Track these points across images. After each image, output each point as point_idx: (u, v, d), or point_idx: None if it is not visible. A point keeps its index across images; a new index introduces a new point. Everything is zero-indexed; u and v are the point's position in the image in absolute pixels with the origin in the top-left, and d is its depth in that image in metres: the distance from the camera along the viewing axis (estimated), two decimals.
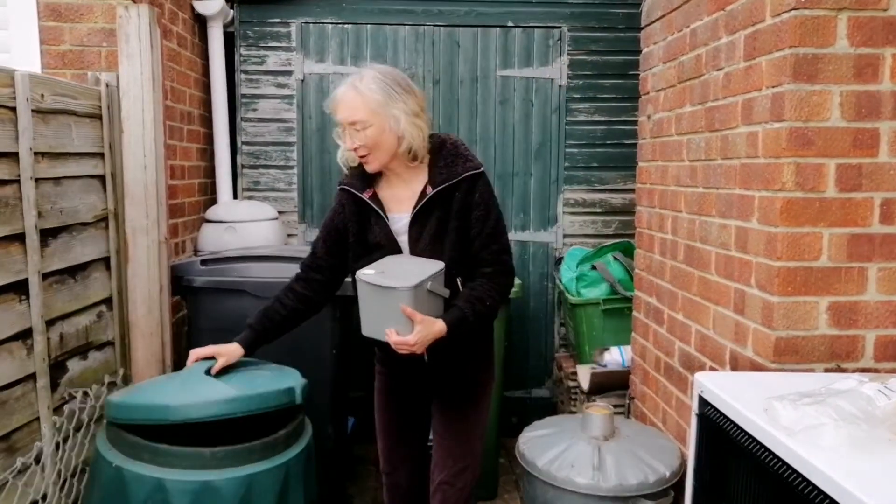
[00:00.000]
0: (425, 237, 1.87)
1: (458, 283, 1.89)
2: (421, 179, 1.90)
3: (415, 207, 1.87)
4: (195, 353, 2.02)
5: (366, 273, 1.79)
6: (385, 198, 1.94)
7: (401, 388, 2.09)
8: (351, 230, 1.96)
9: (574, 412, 3.12)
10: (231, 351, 2.01)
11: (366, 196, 1.92)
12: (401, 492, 2.15)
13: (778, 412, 1.28)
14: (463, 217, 1.86)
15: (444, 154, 1.89)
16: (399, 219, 1.92)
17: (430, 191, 1.86)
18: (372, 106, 1.81)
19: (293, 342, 2.59)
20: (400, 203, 1.92)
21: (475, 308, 1.83)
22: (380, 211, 1.91)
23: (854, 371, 1.78)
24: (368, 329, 1.85)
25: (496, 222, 1.90)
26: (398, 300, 1.73)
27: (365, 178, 1.95)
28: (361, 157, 1.87)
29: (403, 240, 1.92)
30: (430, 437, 2.12)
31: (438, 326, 1.79)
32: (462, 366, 1.98)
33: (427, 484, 2.11)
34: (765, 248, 1.86)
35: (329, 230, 2.01)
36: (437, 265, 1.83)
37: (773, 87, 1.80)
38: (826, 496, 1.10)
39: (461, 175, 1.85)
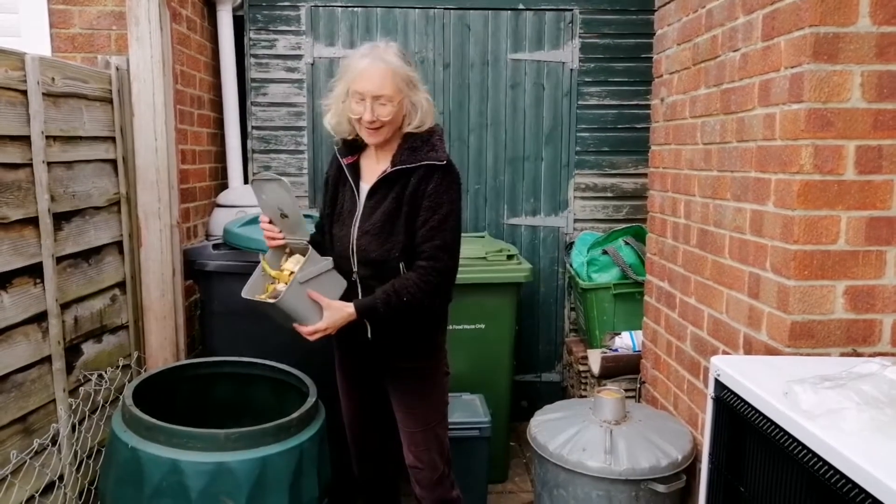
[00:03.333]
0: (378, 214, 1.91)
1: (402, 269, 1.90)
2: (390, 158, 1.94)
3: (374, 183, 1.92)
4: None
5: (248, 295, 1.94)
6: (364, 168, 2.01)
7: (353, 365, 2.14)
8: (327, 192, 2.06)
9: (585, 396, 3.12)
10: None
11: (345, 162, 1.99)
12: (370, 461, 2.20)
13: (798, 396, 1.27)
14: (413, 204, 1.88)
15: (415, 139, 1.92)
16: (364, 189, 1.96)
17: (389, 169, 1.90)
18: (399, 84, 1.85)
19: None
20: (372, 176, 1.96)
21: (390, 301, 1.85)
22: (351, 179, 1.97)
23: (870, 355, 1.76)
24: (279, 326, 1.95)
25: (445, 218, 1.88)
26: (284, 306, 1.84)
27: (350, 147, 2.01)
28: (374, 128, 1.87)
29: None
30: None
31: (347, 311, 1.87)
32: (404, 350, 1.99)
33: (393, 449, 2.16)
34: (781, 231, 1.84)
35: (324, 188, 2.11)
36: (325, 262, 1.92)
37: (792, 67, 1.77)
38: (849, 480, 1.10)
39: (420, 162, 1.88)
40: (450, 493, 2.12)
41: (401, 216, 1.89)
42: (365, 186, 1.97)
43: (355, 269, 1.94)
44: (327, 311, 1.87)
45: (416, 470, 2.08)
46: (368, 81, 1.84)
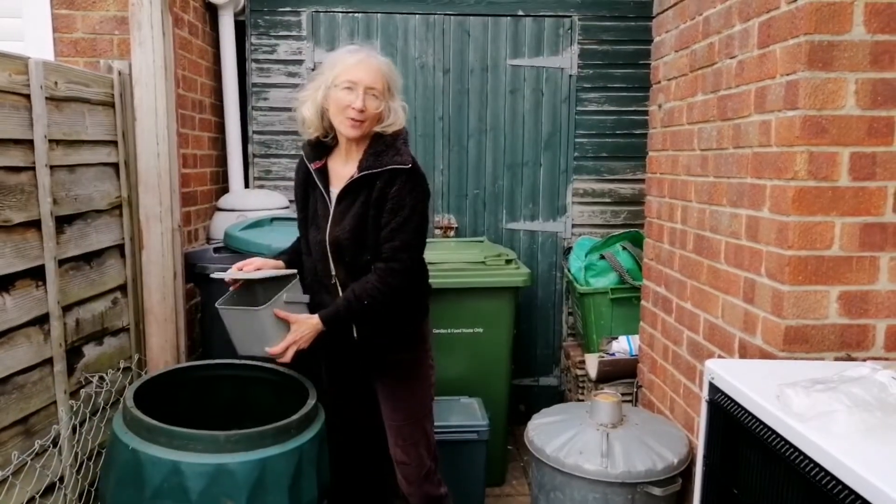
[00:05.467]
0: (348, 219, 1.93)
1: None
2: (357, 162, 1.97)
3: (342, 188, 1.95)
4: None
5: (220, 303, 1.93)
6: (332, 171, 2.03)
7: (337, 366, 2.17)
8: (298, 197, 2.09)
9: (582, 400, 3.13)
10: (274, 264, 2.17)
11: (313, 167, 2.01)
12: (351, 457, 2.23)
13: (790, 399, 1.28)
14: (379, 208, 1.91)
15: (380, 143, 1.95)
16: (334, 194, 1.99)
17: (356, 174, 1.93)
18: (388, 83, 1.93)
19: None
20: (340, 180, 1.99)
21: (350, 306, 1.91)
22: (320, 184, 2.00)
23: (864, 360, 1.78)
24: (245, 349, 1.96)
25: (407, 220, 1.91)
26: (261, 319, 1.86)
27: (317, 150, 2.03)
28: (358, 120, 1.90)
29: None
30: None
31: (313, 321, 1.91)
32: (389, 343, 2.03)
33: (377, 453, 2.20)
34: (776, 237, 1.86)
35: (295, 199, 2.14)
36: (286, 273, 1.96)
37: (788, 74, 1.80)
38: (839, 482, 1.11)
39: (385, 166, 1.91)
40: (437, 489, 2.14)
41: (369, 219, 1.92)
42: (334, 191, 1.99)
43: (333, 273, 1.98)
44: (294, 325, 1.91)
45: (402, 465, 2.10)
46: (363, 72, 1.89)
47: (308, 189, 2.06)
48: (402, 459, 2.10)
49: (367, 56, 1.93)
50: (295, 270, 2.01)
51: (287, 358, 1.91)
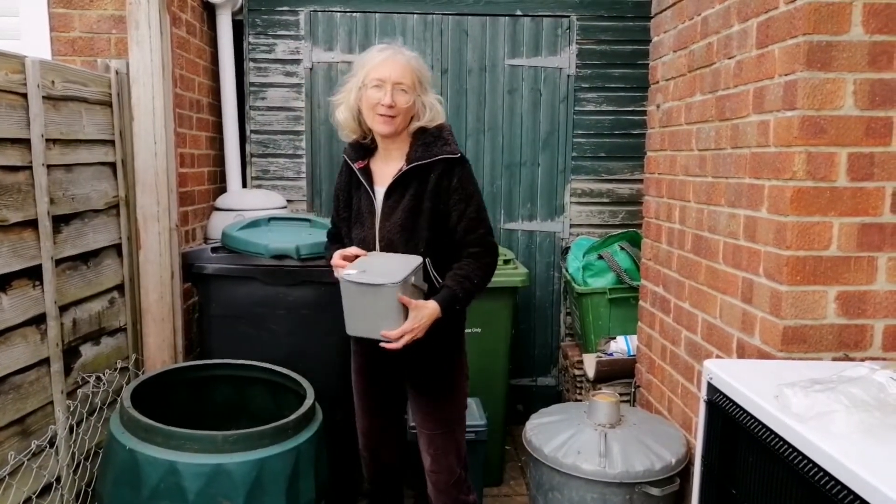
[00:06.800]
0: (399, 212, 1.91)
1: (428, 264, 1.91)
2: (403, 157, 1.96)
3: (391, 182, 1.94)
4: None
5: (349, 273, 1.80)
6: (375, 171, 2.01)
7: (374, 368, 2.11)
8: (342, 198, 2.07)
9: (580, 400, 3.13)
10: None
11: (357, 167, 2.00)
12: (380, 466, 2.19)
13: (789, 399, 1.28)
14: (436, 199, 1.91)
15: (426, 135, 1.95)
16: (380, 192, 1.98)
17: (404, 167, 1.92)
18: (415, 79, 1.92)
19: (302, 330, 2.61)
20: (384, 178, 1.98)
21: (463, 285, 1.89)
22: (364, 182, 1.98)
23: (862, 360, 1.78)
24: (357, 329, 1.86)
25: (479, 207, 1.95)
26: (386, 297, 1.75)
27: (360, 150, 2.03)
28: (389, 116, 1.90)
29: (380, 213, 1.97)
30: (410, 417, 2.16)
31: (431, 307, 1.84)
32: (430, 350, 1.97)
33: (405, 460, 2.17)
34: (774, 237, 1.86)
35: (335, 198, 2.12)
36: (416, 259, 1.86)
37: (786, 74, 1.80)
38: (838, 482, 1.11)
39: (436, 156, 1.91)
40: (466, 497, 2.11)
41: (422, 212, 1.90)
42: (380, 189, 1.97)
43: None
44: (413, 311, 1.80)
45: (432, 473, 2.07)
46: (390, 68, 1.89)
47: (352, 189, 2.04)
48: (433, 468, 2.06)
49: (395, 52, 1.93)
50: (420, 259, 1.87)
51: (399, 345, 1.80)
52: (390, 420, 2.17)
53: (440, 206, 1.91)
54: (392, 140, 1.96)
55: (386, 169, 1.99)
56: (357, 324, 1.85)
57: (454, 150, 1.93)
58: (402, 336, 1.79)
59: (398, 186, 1.93)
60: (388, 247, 1.93)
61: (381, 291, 1.75)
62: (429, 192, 1.90)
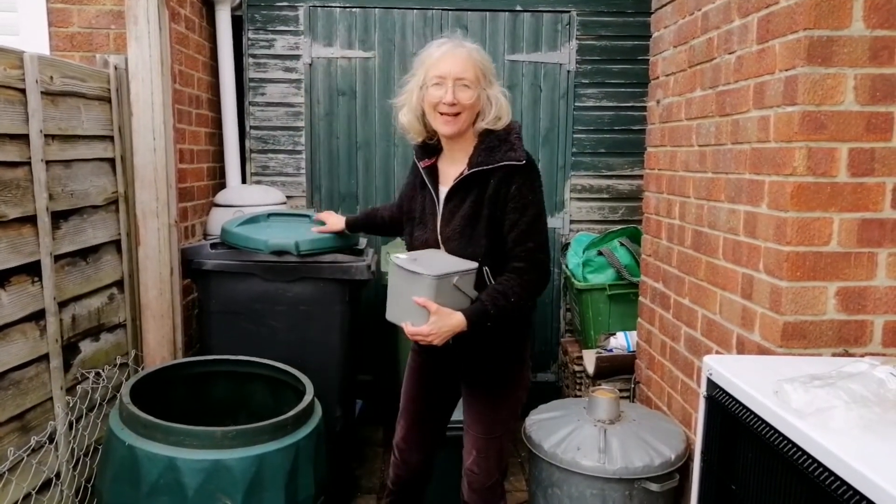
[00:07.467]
0: (458, 218, 1.85)
1: (486, 273, 1.84)
2: (467, 159, 1.89)
3: (451, 185, 1.88)
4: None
5: (399, 258, 1.79)
6: (441, 171, 1.96)
7: (429, 370, 2.08)
8: (406, 194, 2.05)
9: (579, 396, 3.13)
10: (334, 221, 2.50)
11: (422, 165, 1.96)
12: (409, 469, 2.16)
13: (788, 394, 1.28)
14: (495, 206, 1.82)
15: (492, 138, 1.87)
16: (444, 192, 1.92)
17: (466, 171, 1.85)
18: (478, 72, 1.84)
19: (303, 327, 2.61)
20: (448, 179, 1.91)
21: (497, 303, 1.78)
22: (429, 182, 1.93)
23: (861, 356, 1.78)
24: (392, 314, 1.86)
25: (534, 218, 1.83)
26: (421, 288, 1.73)
27: (427, 149, 1.98)
28: (453, 114, 1.83)
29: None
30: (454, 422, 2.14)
31: (456, 319, 1.76)
32: (491, 357, 1.93)
33: (433, 466, 2.14)
34: (774, 233, 1.85)
35: (402, 188, 2.15)
36: (470, 264, 1.81)
37: (787, 70, 1.79)
38: (837, 478, 1.11)
39: (498, 163, 1.82)
40: (497, 502, 2.08)
41: (481, 219, 1.83)
42: (443, 189, 1.91)
43: None
44: (434, 316, 1.73)
45: (471, 473, 2.03)
46: (450, 63, 1.81)
47: (416, 187, 1.99)
48: (472, 468, 2.02)
49: (455, 46, 1.83)
50: (476, 265, 1.82)
51: (417, 339, 1.77)
52: (432, 428, 2.14)
53: (497, 214, 1.82)
54: (456, 141, 1.88)
55: (450, 170, 1.91)
56: (393, 308, 1.85)
57: (519, 157, 1.82)
58: (416, 334, 1.77)
59: (458, 191, 1.86)
60: (449, 252, 1.86)
61: (418, 280, 1.73)
62: (488, 199, 1.82)
